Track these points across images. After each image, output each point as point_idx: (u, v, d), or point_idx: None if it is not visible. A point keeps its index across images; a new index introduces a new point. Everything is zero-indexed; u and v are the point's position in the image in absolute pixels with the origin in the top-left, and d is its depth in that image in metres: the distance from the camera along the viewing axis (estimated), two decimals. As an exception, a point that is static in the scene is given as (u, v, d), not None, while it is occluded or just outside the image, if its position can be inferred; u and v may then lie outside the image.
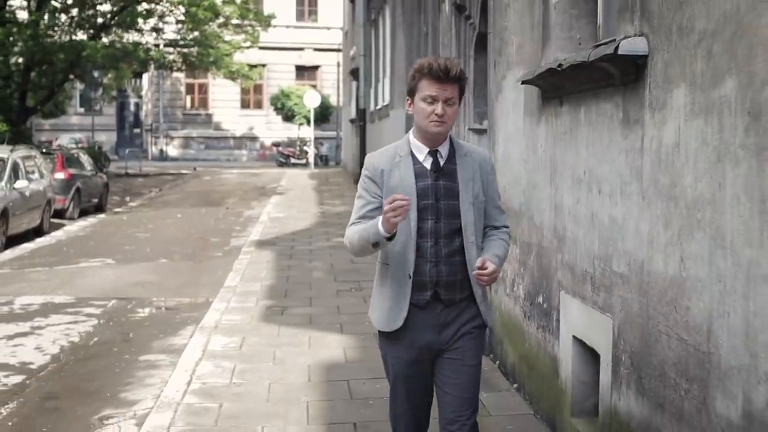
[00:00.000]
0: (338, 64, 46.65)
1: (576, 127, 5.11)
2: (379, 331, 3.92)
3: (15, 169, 16.90)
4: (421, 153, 3.78)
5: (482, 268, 3.58)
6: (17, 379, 7.36)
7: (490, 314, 3.92)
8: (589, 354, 5.04)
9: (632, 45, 4.04)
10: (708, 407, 3.47)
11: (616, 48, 4.06)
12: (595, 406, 5.03)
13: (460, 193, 3.75)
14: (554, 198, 5.56)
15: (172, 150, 50.48)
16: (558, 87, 5.36)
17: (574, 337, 5.21)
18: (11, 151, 17.51)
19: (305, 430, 5.79)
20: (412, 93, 3.73)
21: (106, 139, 47.78)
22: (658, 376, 3.97)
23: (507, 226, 3.97)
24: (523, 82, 5.90)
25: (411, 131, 3.84)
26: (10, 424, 6.27)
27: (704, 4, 3.45)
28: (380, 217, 3.57)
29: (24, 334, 8.89)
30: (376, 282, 3.91)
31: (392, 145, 3.91)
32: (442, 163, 3.77)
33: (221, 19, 33.12)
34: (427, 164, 3.77)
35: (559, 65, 4.90)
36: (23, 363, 7.84)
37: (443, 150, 3.78)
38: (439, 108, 3.64)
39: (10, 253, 14.99)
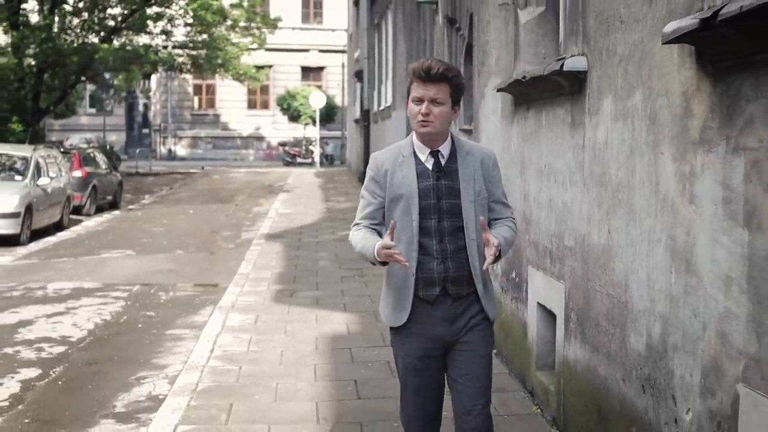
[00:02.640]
0: (343, 65, 47.64)
1: (539, 129, 6.14)
2: (390, 328, 4.00)
3: (38, 167, 17.89)
4: (423, 153, 3.86)
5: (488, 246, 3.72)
6: (60, 349, 8.38)
7: (495, 309, 3.99)
8: (549, 316, 6.07)
9: (575, 62, 5.07)
10: (626, 344, 4.49)
11: (562, 65, 5.09)
12: (554, 361, 6.04)
13: (461, 192, 3.82)
14: (523, 188, 6.58)
15: (181, 150, 51.53)
16: (525, 95, 6.39)
17: (538, 303, 6.24)
18: (34, 150, 18.55)
19: (313, 385, 6.82)
20: (407, 95, 3.86)
21: (116, 139, 48.71)
22: (594, 326, 4.99)
23: (513, 218, 4.08)
24: (498, 90, 6.92)
25: (414, 132, 3.92)
26: (60, 383, 7.30)
27: (622, 33, 4.48)
28: (378, 242, 3.72)
29: (60, 314, 9.92)
30: (384, 279, 4.01)
31: (397, 145, 4.02)
32: (443, 163, 3.85)
33: (229, 22, 34.10)
34: (429, 164, 3.85)
35: (524, 77, 5.93)
36: (63, 336, 8.86)
37: (444, 150, 3.86)
38: (423, 107, 3.73)
39: (35, 246, 16.01)
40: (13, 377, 7.41)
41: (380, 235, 3.89)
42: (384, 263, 3.76)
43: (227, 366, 7.38)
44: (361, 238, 3.89)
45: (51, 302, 10.57)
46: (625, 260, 4.48)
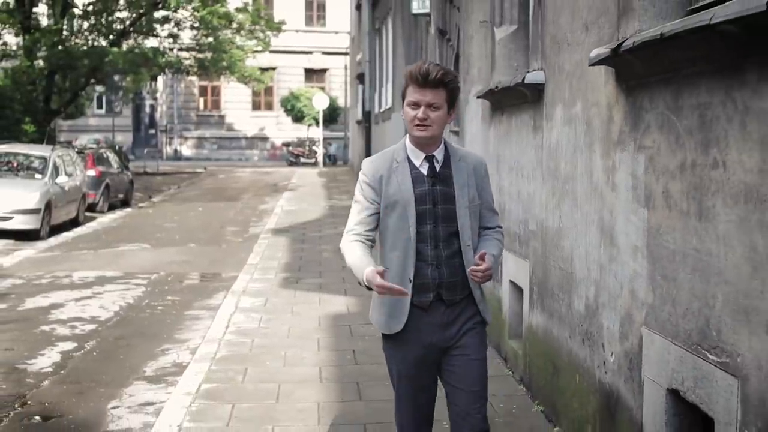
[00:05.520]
0: (346, 67, 48.60)
1: (510, 131, 7.16)
2: (383, 335, 4.01)
3: (55, 166, 18.90)
4: (418, 158, 3.86)
5: (478, 265, 3.72)
6: (91, 327, 9.41)
7: (489, 312, 4.05)
8: (518, 291, 7.09)
9: (534, 76, 6.09)
10: (571, 307, 5.51)
11: (524, 78, 6.11)
12: (522, 329, 7.05)
13: (456, 198, 3.83)
14: (499, 182, 7.59)
15: (186, 150, 52.54)
16: (499, 102, 7.41)
17: (510, 280, 7.26)
18: (52, 150, 19.60)
19: (316, 354, 7.85)
20: (403, 99, 3.83)
21: (123, 140, 49.57)
22: (550, 296, 6.01)
23: (501, 227, 4.13)
24: (478, 97, 7.94)
25: (407, 136, 3.93)
26: (94, 353, 8.33)
27: (569, 54, 5.49)
28: (370, 268, 3.67)
29: (88, 297, 10.97)
30: None
31: (389, 150, 3.98)
32: (438, 168, 3.85)
33: (234, 26, 35.01)
34: (424, 170, 3.84)
35: (496, 86, 6.95)
36: (93, 317, 9.90)
37: (439, 155, 3.87)
38: (420, 112, 3.72)
39: (54, 240, 17.03)
40: (52, 349, 8.44)
41: (373, 242, 3.94)
42: (369, 288, 3.73)
43: (241, 339, 8.40)
44: (351, 252, 3.86)
45: (78, 288, 11.60)
46: (571, 239, 5.49)
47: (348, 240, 3.91)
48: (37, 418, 6.48)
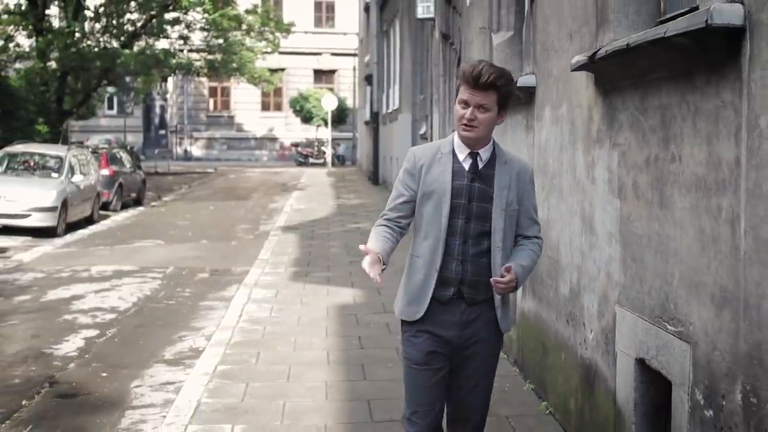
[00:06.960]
0: (354, 69, 49.13)
1: (506, 131, 7.67)
2: (402, 321, 4.02)
3: (71, 165, 19.45)
4: (462, 153, 3.87)
5: (502, 277, 3.72)
6: (111, 316, 9.95)
7: (509, 321, 4.05)
8: (512, 280, 7.58)
9: (526, 80, 6.60)
10: (558, 292, 6.01)
11: (516, 81, 6.61)
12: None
13: (494, 199, 3.83)
14: (495, 178, 8.10)
15: (196, 150, 53.15)
16: (496, 103, 7.90)
17: (505, 270, 7.75)
18: (68, 150, 20.16)
19: (324, 340, 8.37)
20: (457, 93, 3.84)
21: (133, 140, 50.13)
22: (540, 282, 6.51)
23: (540, 238, 4.08)
24: (477, 99, 8.43)
25: (456, 131, 3.94)
26: (116, 340, 8.86)
27: (556, 59, 6.00)
28: (368, 259, 3.71)
29: (107, 290, 11.50)
30: (405, 273, 3.98)
31: (438, 141, 4.05)
32: (480, 166, 3.86)
33: (244, 27, 35.55)
34: (466, 165, 3.85)
35: (492, 89, 7.44)
36: (112, 307, 10.43)
37: (484, 154, 3.88)
38: (468, 112, 3.74)
39: (70, 237, 17.56)
40: (76, 335, 8.97)
41: (403, 229, 3.99)
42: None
43: (254, 327, 8.92)
44: (373, 235, 3.93)
45: (96, 281, 12.14)
46: (558, 229, 6.00)
47: (377, 224, 4.00)
48: (66, 395, 7.01)
